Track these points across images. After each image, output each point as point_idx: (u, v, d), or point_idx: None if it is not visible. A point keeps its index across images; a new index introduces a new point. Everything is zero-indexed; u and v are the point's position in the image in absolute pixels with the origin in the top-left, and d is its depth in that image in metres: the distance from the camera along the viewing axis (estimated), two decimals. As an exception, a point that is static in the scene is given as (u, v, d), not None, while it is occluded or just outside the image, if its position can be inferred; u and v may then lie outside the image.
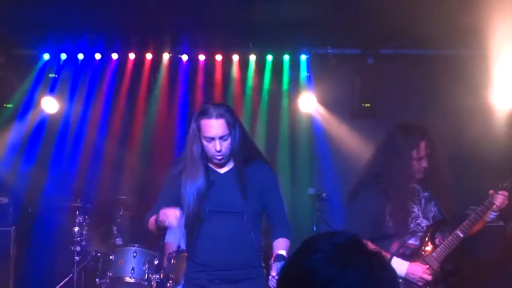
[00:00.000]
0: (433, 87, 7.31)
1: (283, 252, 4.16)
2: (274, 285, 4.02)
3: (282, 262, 3.95)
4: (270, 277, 4.06)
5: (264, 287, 4.22)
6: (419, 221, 4.38)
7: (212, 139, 4.15)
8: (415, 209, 4.39)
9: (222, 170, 4.30)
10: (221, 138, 4.15)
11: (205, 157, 4.24)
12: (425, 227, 4.36)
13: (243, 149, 4.23)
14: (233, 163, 4.29)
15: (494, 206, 4.40)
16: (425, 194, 4.44)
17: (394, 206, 4.32)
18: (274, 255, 4.19)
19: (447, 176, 4.45)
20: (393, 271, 1.73)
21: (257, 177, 4.29)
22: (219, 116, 4.14)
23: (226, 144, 4.16)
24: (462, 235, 4.32)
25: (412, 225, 4.36)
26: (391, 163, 4.36)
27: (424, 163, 4.35)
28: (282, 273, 1.73)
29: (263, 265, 4.40)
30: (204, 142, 4.19)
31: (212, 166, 4.29)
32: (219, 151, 4.15)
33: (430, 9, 6.28)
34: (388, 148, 4.44)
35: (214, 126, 4.14)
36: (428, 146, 4.36)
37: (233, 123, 4.17)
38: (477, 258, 6.19)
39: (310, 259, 1.64)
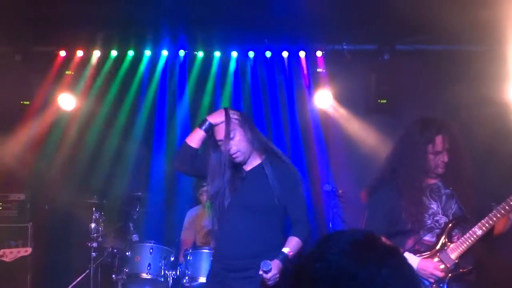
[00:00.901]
0: (449, 83, 7.23)
1: (286, 250, 4.29)
2: (270, 282, 4.19)
3: (268, 262, 4.13)
4: (261, 272, 4.18)
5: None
6: (438, 218, 4.33)
7: (221, 141, 4.40)
8: (434, 206, 4.35)
9: (248, 168, 4.49)
10: (225, 139, 4.38)
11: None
12: (443, 224, 4.32)
13: (258, 142, 4.45)
14: (260, 160, 4.49)
15: None
16: (447, 191, 4.38)
17: (409, 201, 4.30)
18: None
19: (469, 172, 4.35)
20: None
21: (280, 176, 4.42)
22: (228, 113, 4.44)
23: (235, 141, 4.38)
24: (480, 232, 4.23)
25: (429, 222, 4.32)
26: (407, 158, 4.34)
27: (444, 158, 4.29)
28: (298, 270, 1.73)
29: None
30: (220, 146, 4.44)
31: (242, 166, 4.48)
32: (229, 151, 4.39)
33: (447, 4, 6.21)
34: (404, 143, 4.42)
35: (222, 130, 4.42)
36: (446, 140, 4.30)
37: (245, 123, 4.45)
38: (503, 259, 6.12)
39: (339, 261, 1.65)
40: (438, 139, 4.29)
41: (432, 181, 4.40)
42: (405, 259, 1.73)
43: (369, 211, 4.50)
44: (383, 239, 1.73)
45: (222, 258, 4.47)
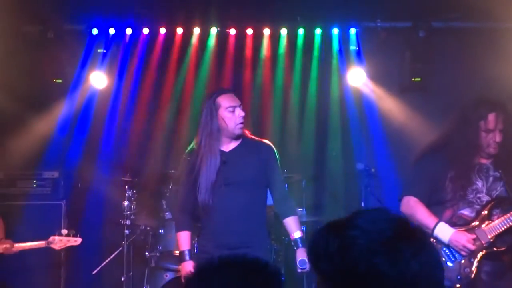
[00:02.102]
0: (485, 61, 7.11)
1: (297, 234, 4.71)
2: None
3: (305, 260, 4.49)
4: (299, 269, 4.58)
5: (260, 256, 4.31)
6: (480, 195, 4.34)
7: (235, 107, 4.74)
8: (479, 183, 4.35)
9: (228, 149, 4.81)
10: (240, 106, 4.78)
11: (219, 137, 4.76)
12: (484, 202, 4.32)
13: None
14: (238, 142, 4.82)
15: None
16: (496, 173, 4.38)
17: (456, 174, 4.34)
18: (291, 238, 4.76)
19: None
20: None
21: (258, 153, 4.79)
22: (232, 91, 4.93)
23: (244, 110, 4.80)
24: None
25: (470, 196, 4.33)
26: (459, 133, 4.39)
27: (496, 137, 4.29)
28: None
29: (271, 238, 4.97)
30: (226, 115, 4.73)
31: (220, 147, 4.77)
32: (243, 117, 4.76)
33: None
34: (458, 117, 4.47)
35: (234, 97, 4.82)
36: (500, 120, 4.29)
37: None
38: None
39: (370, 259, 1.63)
40: (491, 117, 4.30)
41: (483, 161, 4.40)
42: (431, 245, 1.72)
43: (414, 176, 4.53)
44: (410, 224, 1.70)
45: (216, 235, 4.68)
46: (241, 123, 4.76)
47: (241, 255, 1.84)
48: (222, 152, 4.77)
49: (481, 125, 4.32)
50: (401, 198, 4.48)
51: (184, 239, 4.87)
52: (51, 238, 6.30)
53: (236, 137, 4.81)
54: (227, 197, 4.70)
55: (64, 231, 6.39)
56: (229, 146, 4.82)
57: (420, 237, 1.71)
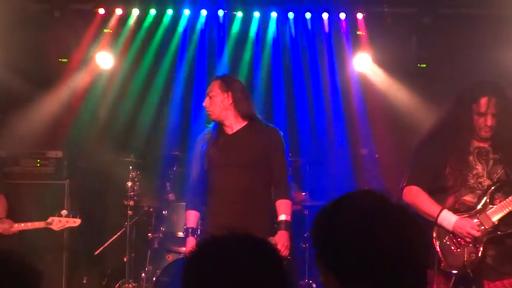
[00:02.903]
0: (491, 48, 7.11)
1: (283, 217, 4.81)
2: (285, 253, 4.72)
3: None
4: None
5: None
6: (481, 180, 4.33)
7: (206, 95, 4.97)
8: (479, 167, 4.34)
9: (232, 131, 4.92)
10: (207, 95, 4.93)
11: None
12: (486, 186, 4.31)
13: (241, 106, 4.89)
14: (243, 124, 4.93)
15: None
16: (495, 156, 4.37)
17: (455, 158, 4.32)
18: (277, 219, 4.84)
19: None
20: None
21: (262, 137, 4.90)
22: (216, 78, 5.07)
23: (211, 100, 4.89)
24: None
25: (472, 181, 4.32)
26: (454, 115, 4.39)
27: (487, 121, 4.28)
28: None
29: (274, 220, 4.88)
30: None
31: (224, 129, 4.94)
32: (205, 105, 4.94)
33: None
34: (455, 99, 4.46)
35: (209, 85, 5.01)
36: (492, 103, 4.27)
37: (226, 83, 4.93)
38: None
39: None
40: (483, 100, 4.28)
41: (481, 144, 4.39)
42: (411, 225, 1.86)
43: (414, 164, 4.51)
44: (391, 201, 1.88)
45: (216, 216, 4.81)
46: (207, 111, 4.97)
47: (238, 233, 1.90)
48: (226, 135, 4.91)
49: (474, 107, 4.31)
50: (403, 187, 4.48)
51: (190, 218, 5.03)
52: (50, 219, 6.28)
53: (242, 119, 4.92)
54: (228, 179, 4.82)
55: (64, 212, 6.37)
56: (234, 128, 4.93)
57: (399, 216, 1.85)
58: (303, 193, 7.07)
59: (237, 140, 4.89)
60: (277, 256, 1.89)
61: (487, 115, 4.29)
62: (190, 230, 5.00)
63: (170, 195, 6.90)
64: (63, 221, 6.31)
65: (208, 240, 1.89)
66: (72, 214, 6.38)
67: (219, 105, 4.87)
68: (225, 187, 4.83)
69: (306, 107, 7.83)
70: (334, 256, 1.82)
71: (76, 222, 6.36)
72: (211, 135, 4.96)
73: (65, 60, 7.62)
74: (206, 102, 4.93)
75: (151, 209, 6.84)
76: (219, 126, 4.96)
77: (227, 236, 1.88)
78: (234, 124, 4.93)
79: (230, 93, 4.88)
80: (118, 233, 6.96)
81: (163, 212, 6.68)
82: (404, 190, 4.45)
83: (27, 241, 6.48)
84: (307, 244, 6.93)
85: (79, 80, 7.68)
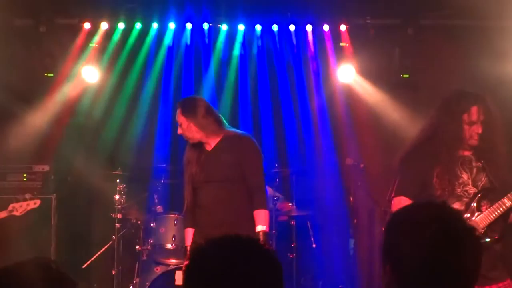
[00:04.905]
0: (473, 59, 7.21)
1: (260, 228, 4.91)
2: None
3: None
4: None
5: None
6: (467, 188, 4.39)
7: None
8: (465, 176, 4.41)
9: (209, 148, 5.15)
10: (178, 123, 5.17)
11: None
12: (472, 194, 4.38)
13: (209, 128, 5.09)
14: (218, 139, 5.13)
15: None
16: (478, 164, 4.44)
17: (442, 167, 4.37)
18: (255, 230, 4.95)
19: (502, 146, 4.42)
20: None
21: (232, 148, 5.06)
22: (178, 106, 5.24)
23: (181, 128, 5.14)
24: (509, 203, 4.27)
25: (458, 190, 4.38)
26: (443, 126, 4.43)
27: (478, 129, 4.36)
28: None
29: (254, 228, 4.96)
30: None
31: (205, 146, 5.17)
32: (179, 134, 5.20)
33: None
34: (441, 112, 4.50)
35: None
36: (481, 112, 4.36)
37: (188, 111, 5.11)
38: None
39: None
40: (474, 109, 4.36)
41: (466, 153, 4.46)
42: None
43: (401, 175, 4.55)
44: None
45: (202, 229, 5.06)
46: (186, 139, 5.24)
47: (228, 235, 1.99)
48: (206, 151, 5.16)
49: (465, 117, 4.36)
50: (392, 198, 4.53)
51: (187, 235, 5.29)
52: (10, 206, 6.29)
53: (216, 135, 5.13)
54: (210, 194, 5.08)
55: (28, 195, 6.39)
56: (211, 144, 5.17)
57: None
58: (290, 204, 7.12)
59: (214, 156, 5.11)
60: (273, 255, 1.95)
61: (477, 123, 4.37)
62: (188, 248, 5.23)
63: (158, 207, 6.92)
64: (24, 205, 6.33)
65: (202, 245, 1.98)
66: (29, 196, 6.39)
67: (189, 130, 5.13)
68: (206, 202, 5.09)
69: (293, 118, 7.89)
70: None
71: (37, 202, 6.38)
72: (196, 153, 5.19)
73: (51, 74, 7.61)
74: (179, 131, 5.19)
75: (139, 222, 6.86)
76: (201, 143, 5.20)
77: (222, 238, 1.98)
78: (210, 141, 5.15)
79: (192, 122, 5.10)
80: (106, 246, 6.96)
81: (151, 224, 6.69)
82: (393, 201, 4.50)
83: (13, 253, 6.46)
84: (294, 255, 6.96)
85: (65, 94, 7.68)
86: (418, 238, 1.99)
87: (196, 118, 5.10)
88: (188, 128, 5.12)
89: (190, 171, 5.18)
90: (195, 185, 5.16)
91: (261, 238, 4.86)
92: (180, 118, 5.14)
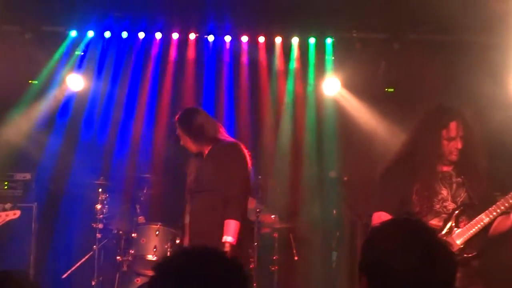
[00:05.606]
0: (459, 74, 7.25)
1: (226, 239, 4.86)
2: None
3: None
4: None
5: None
6: (446, 204, 4.40)
7: None
8: (444, 192, 4.42)
9: (204, 156, 5.25)
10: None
11: None
12: (450, 210, 4.38)
13: (202, 138, 5.19)
14: (208, 148, 5.23)
15: None
16: (458, 179, 4.45)
17: (421, 185, 4.38)
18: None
19: (481, 161, 4.44)
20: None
21: (214, 158, 5.14)
22: (175, 121, 5.36)
23: (182, 141, 5.28)
24: (487, 220, 4.28)
25: (437, 206, 4.39)
26: (422, 143, 4.43)
27: (457, 144, 4.37)
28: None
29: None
30: None
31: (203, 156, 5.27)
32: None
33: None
34: (420, 127, 4.52)
35: None
36: (460, 127, 4.37)
37: (182, 123, 5.25)
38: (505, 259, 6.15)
39: None
40: (453, 125, 4.37)
41: (445, 168, 4.47)
42: None
43: (381, 191, 4.56)
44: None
45: (190, 238, 5.24)
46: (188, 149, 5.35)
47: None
48: (202, 159, 5.25)
49: (443, 133, 4.38)
50: (372, 214, 4.53)
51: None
52: None
53: (209, 146, 5.22)
54: (193, 203, 5.20)
55: (8, 205, 6.35)
56: (205, 153, 5.26)
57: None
58: (273, 216, 7.10)
59: (202, 166, 5.21)
60: (237, 265, 1.96)
61: (456, 138, 4.37)
62: None
63: (140, 217, 6.87)
64: (2, 216, 6.28)
65: (166, 257, 2.02)
66: (9, 206, 6.34)
67: (186, 142, 5.29)
68: (190, 211, 5.23)
69: (277, 131, 7.89)
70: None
71: (16, 213, 6.33)
72: (196, 163, 5.28)
73: (36, 82, 7.59)
74: (181, 142, 5.33)
75: (120, 232, 6.81)
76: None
77: (186, 249, 2.04)
78: (206, 151, 5.25)
79: (186, 134, 5.24)
80: (87, 256, 6.91)
81: (132, 234, 6.63)
82: (373, 216, 4.50)
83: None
84: (276, 267, 6.92)
85: (49, 102, 7.65)
86: (394, 254, 2.07)
87: (190, 130, 5.23)
88: (184, 140, 5.27)
89: (187, 180, 5.30)
90: (190, 194, 5.25)
91: (226, 249, 4.78)
92: (179, 133, 5.30)
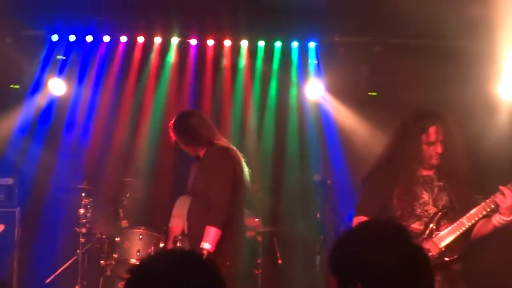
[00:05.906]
0: (440, 78, 7.30)
1: (204, 245, 4.82)
2: None
3: None
4: None
5: None
6: (427, 207, 4.42)
7: None
8: (425, 196, 4.43)
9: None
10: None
11: None
12: (432, 213, 4.40)
13: (195, 143, 5.19)
14: (202, 154, 5.22)
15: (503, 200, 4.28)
16: (439, 183, 4.47)
17: (402, 190, 4.40)
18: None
19: (463, 165, 4.44)
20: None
21: (202, 162, 5.15)
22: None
23: (180, 144, 5.27)
24: (467, 223, 4.30)
25: (418, 210, 4.41)
26: (401, 147, 4.45)
27: (437, 149, 4.38)
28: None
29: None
30: None
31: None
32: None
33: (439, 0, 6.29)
34: (400, 132, 4.53)
35: None
36: (440, 131, 4.38)
37: (176, 128, 5.23)
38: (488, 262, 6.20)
39: None
40: (432, 130, 4.39)
41: (426, 172, 4.49)
42: None
43: (362, 195, 4.60)
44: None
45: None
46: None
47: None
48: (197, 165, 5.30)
49: (423, 138, 4.39)
50: (352, 218, 4.55)
51: None
52: None
53: (203, 150, 5.20)
54: (189, 207, 5.28)
55: None
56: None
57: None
58: (257, 219, 7.11)
59: (197, 169, 5.24)
60: (213, 268, 1.99)
61: (436, 143, 4.39)
62: None
63: (123, 221, 6.86)
64: None
65: (142, 261, 2.04)
66: None
67: (181, 146, 5.30)
68: (187, 213, 5.30)
69: (260, 135, 7.90)
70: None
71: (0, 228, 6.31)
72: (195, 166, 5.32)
73: (17, 86, 7.55)
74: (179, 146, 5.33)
75: (104, 236, 6.78)
76: None
77: (161, 253, 2.07)
78: (200, 154, 5.23)
79: (179, 138, 5.25)
80: (70, 261, 6.89)
81: (116, 239, 6.60)
82: (354, 220, 4.51)
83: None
84: (260, 270, 6.94)
85: (31, 106, 7.61)
86: (371, 256, 2.12)
87: (183, 135, 5.24)
88: (179, 144, 5.28)
89: (187, 183, 5.36)
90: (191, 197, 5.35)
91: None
92: (173, 135, 5.29)
